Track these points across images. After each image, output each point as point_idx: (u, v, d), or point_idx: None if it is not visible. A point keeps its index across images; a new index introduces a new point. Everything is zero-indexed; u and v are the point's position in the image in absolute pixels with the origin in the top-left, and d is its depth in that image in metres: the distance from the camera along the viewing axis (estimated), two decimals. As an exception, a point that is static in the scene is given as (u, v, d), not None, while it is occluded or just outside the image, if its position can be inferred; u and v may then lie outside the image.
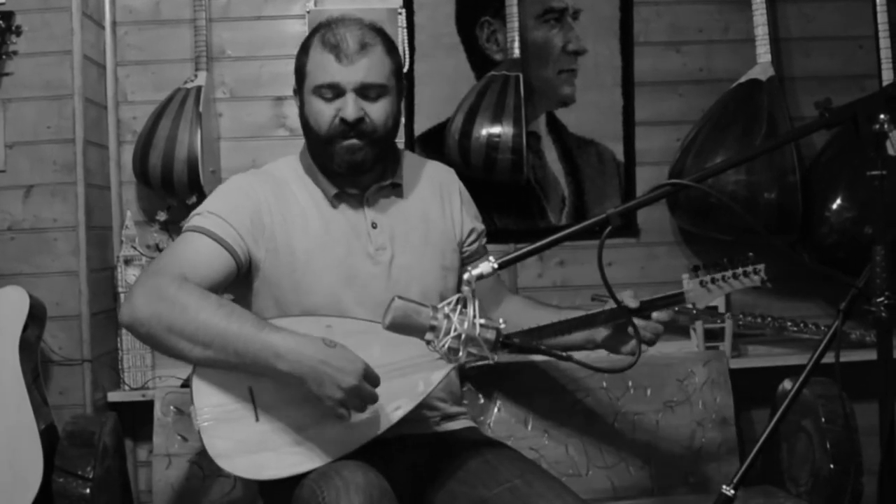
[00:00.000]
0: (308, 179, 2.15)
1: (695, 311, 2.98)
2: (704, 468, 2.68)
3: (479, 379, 2.64)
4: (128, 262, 2.92)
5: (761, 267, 2.05)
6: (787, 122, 2.88)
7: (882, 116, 1.66)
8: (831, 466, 2.52)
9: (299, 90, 2.14)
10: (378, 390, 1.84)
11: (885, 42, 2.92)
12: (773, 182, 2.81)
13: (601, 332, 2.10)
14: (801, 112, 3.09)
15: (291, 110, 3.04)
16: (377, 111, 2.06)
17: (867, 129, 1.67)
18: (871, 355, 1.76)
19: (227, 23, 3.05)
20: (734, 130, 2.87)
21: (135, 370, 2.92)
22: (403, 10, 3.03)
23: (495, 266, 1.69)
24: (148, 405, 2.64)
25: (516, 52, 2.93)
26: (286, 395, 1.87)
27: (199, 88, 2.88)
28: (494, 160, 2.85)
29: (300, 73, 2.12)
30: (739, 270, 2.05)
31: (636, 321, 1.99)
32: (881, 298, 1.64)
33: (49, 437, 2.53)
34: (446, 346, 1.70)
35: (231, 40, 3.05)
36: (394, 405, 1.90)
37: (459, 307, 1.71)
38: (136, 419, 2.93)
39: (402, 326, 1.70)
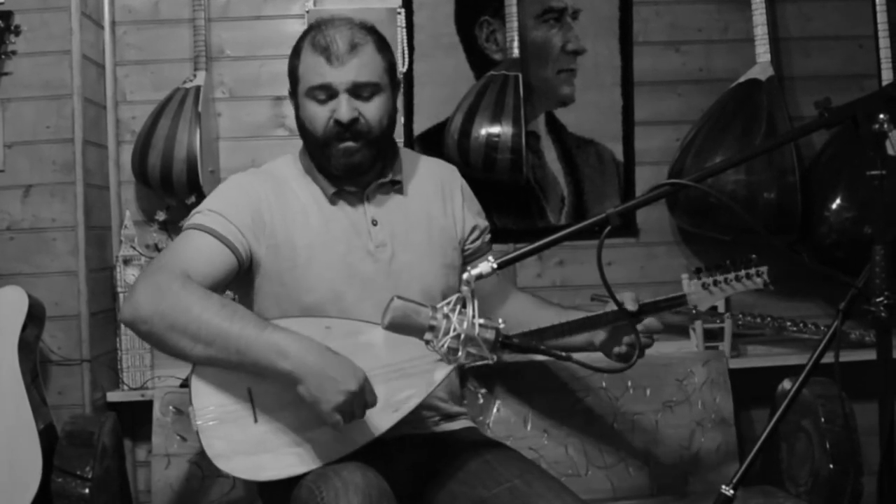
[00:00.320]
0: (308, 178, 2.15)
1: (694, 311, 2.97)
2: (704, 468, 2.68)
3: (478, 379, 2.64)
4: (127, 261, 2.91)
5: (764, 269, 2.04)
6: (786, 122, 2.88)
7: (881, 116, 1.66)
8: (831, 466, 2.52)
9: (294, 94, 2.14)
10: (378, 391, 1.84)
11: (884, 42, 2.92)
12: (772, 182, 2.81)
13: (599, 335, 2.10)
14: (800, 112, 3.09)
15: (290, 110, 2.98)
16: (371, 110, 2.06)
17: (867, 128, 1.67)
18: (870, 355, 1.77)
19: (227, 22, 3.05)
20: (734, 130, 2.86)
21: (134, 370, 2.92)
22: (402, 10, 3.03)
23: (494, 266, 1.69)
24: (147, 405, 2.64)
25: (515, 52, 2.93)
26: (285, 396, 1.87)
27: (198, 88, 2.88)
28: (494, 160, 2.85)
29: (293, 76, 2.13)
30: (742, 273, 2.04)
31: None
32: (881, 298, 1.64)
33: (48, 437, 2.53)
34: (445, 346, 1.70)
35: (230, 40, 3.05)
36: (393, 406, 1.90)
37: (459, 307, 1.71)
38: (135, 419, 2.92)
39: (401, 326, 1.69)
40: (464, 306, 1.70)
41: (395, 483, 1.84)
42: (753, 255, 2.05)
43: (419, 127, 3.05)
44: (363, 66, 2.04)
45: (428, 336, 1.70)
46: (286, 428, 1.89)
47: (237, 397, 1.90)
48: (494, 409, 2.64)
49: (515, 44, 2.93)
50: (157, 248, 2.91)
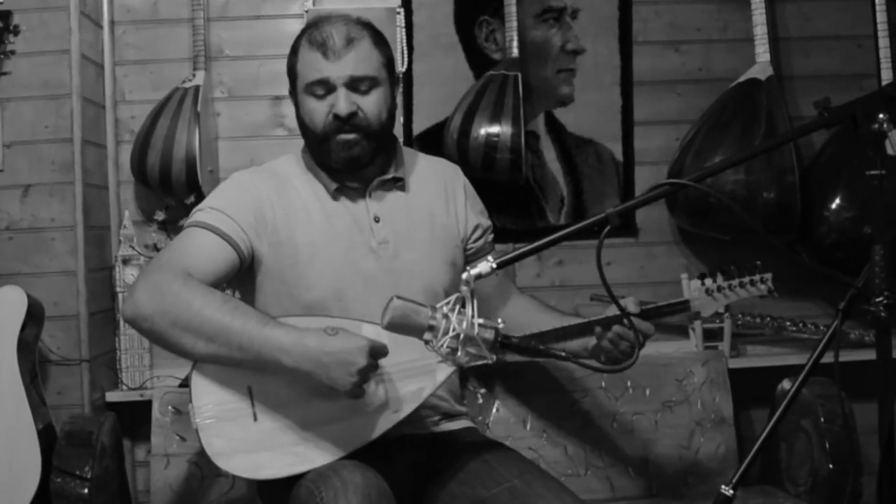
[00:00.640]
0: (310, 175, 2.15)
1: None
2: (703, 468, 2.68)
3: (478, 379, 2.64)
4: (126, 261, 2.91)
5: (769, 276, 2.05)
6: (786, 122, 2.88)
7: (881, 116, 1.66)
8: (830, 466, 2.52)
9: (293, 91, 2.15)
10: (378, 392, 1.84)
11: (884, 41, 2.92)
12: (772, 181, 2.81)
13: (592, 340, 2.08)
14: (800, 111, 3.09)
15: (290, 109, 3.02)
16: (369, 104, 2.06)
17: (866, 128, 1.67)
18: (870, 355, 1.77)
19: (226, 22, 3.05)
20: (733, 130, 2.86)
21: (133, 370, 2.91)
22: (402, 10, 3.03)
23: (494, 266, 1.69)
24: (146, 405, 2.64)
25: (515, 52, 2.93)
26: (285, 394, 1.87)
27: (197, 88, 2.88)
28: (493, 160, 2.85)
29: (291, 74, 2.14)
30: (746, 279, 2.05)
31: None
32: (880, 298, 1.64)
33: (47, 437, 2.53)
34: (445, 346, 1.70)
35: (229, 40, 3.05)
36: (394, 407, 1.90)
37: (458, 307, 1.71)
38: (134, 419, 2.92)
39: (400, 326, 1.69)
40: (463, 306, 1.70)
41: (394, 483, 1.84)
42: (758, 262, 2.05)
43: (418, 127, 3.05)
44: (360, 60, 2.05)
45: (427, 336, 1.70)
46: (286, 427, 1.89)
47: (237, 395, 1.90)
48: (494, 410, 2.64)
49: (515, 43, 2.93)
50: (156, 248, 2.91)
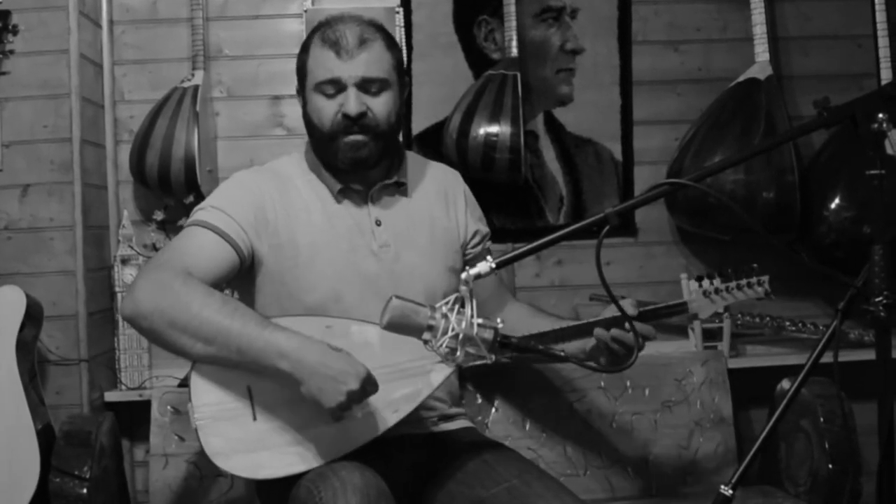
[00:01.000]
0: (312, 176, 2.15)
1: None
2: (703, 468, 2.67)
3: (477, 379, 2.63)
4: (125, 261, 2.91)
5: (765, 279, 2.05)
6: (785, 122, 2.87)
7: (880, 115, 1.65)
8: (830, 466, 2.52)
9: (301, 89, 2.14)
10: (377, 392, 1.83)
11: (883, 41, 2.92)
12: (771, 181, 2.81)
13: (590, 343, 2.08)
14: (799, 111, 3.09)
15: (289, 109, 3.04)
16: (379, 105, 2.06)
17: (866, 128, 1.67)
18: (869, 355, 1.77)
19: (225, 22, 3.05)
20: (732, 130, 2.86)
21: (132, 370, 2.91)
22: (401, 9, 3.03)
23: (493, 266, 1.69)
24: (145, 405, 2.63)
25: (514, 52, 2.93)
26: (285, 394, 1.86)
27: (196, 87, 2.88)
28: (492, 159, 2.84)
29: (301, 72, 2.13)
30: (744, 282, 2.05)
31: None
32: (880, 298, 1.64)
33: (46, 437, 2.53)
34: (444, 345, 1.69)
35: (228, 39, 3.05)
36: (393, 407, 1.89)
37: (457, 307, 1.70)
38: (133, 419, 2.92)
39: (399, 326, 1.69)
40: (462, 306, 1.70)
41: (393, 483, 1.84)
42: (755, 265, 2.06)
43: (417, 126, 3.05)
44: (372, 61, 2.05)
45: (426, 336, 1.69)
46: (285, 426, 1.88)
47: (237, 395, 1.90)
48: (493, 410, 2.64)
49: (514, 43, 2.93)
50: (155, 248, 2.91)
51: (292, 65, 3.03)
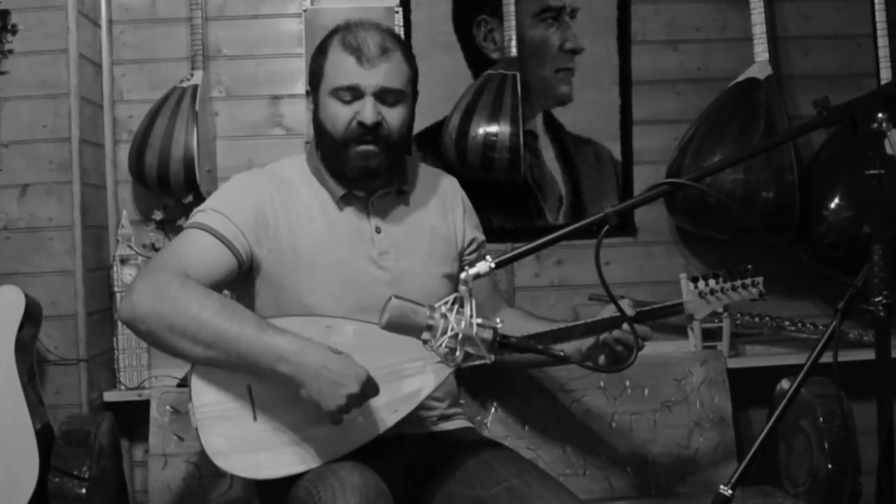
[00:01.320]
0: (314, 180, 2.14)
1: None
2: (702, 468, 2.67)
3: (476, 379, 2.63)
4: (124, 261, 2.91)
5: (759, 280, 2.06)
6: (784, 121, 2.87)
7: (880, 115, 1.65)
8: (829, 466, 2.51)
9: (314, 92, 2.12)
10: (377, 395, 1.83)
11: (883, 41, 2.92)
12: (770, 181, 2.81)
13: (587, 343, 2.08)
14: (798, 111, 3.09)
15: (288, 109, 3.04)
16: (394, 117, 2.06)
17: (865, 127, 1.66)
18: (869, 355, 1.76)
19: (224, 21, 3.04)
20: (732, 129, 2.86)
21: (131, 370, 2.91)
22: (400, 9, 3.02)
23: (492, 265, 1.69)
24: (144, 405, 2.63)
25: (513, 51, 2.93)
26: (285, 394, 1.86)
27: (195, 87, 2.87)
28: (491, 159, 2.84)
29: (317, 74, 2.10)
30: (738, 283, 2.07)
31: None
32: (879, 298, 1.64)
33: (45, 437, 2.52)
34: (443, 345, 1.69)
35: (227, 39, 3.05)
36: (392, 407, 1.89)
37: (456, 307, 1.70)
38: (132, 419, 2.92)
39: (398, 326, 1.69)
40: (461, 306, 1.70)
41: (392, 483, 1.84)
42: (749, 266, 2.07)
43: (416, 126, 3.02)
44: (391, 71, 2.04)
45: (426, 336, 1.69)
46: (285, 426, 1.88)
47: (237, 395, 1.90)
48: (492, 409, 2.64)
49: (513, 43, 2.93)
50: (154, 248, 2.91)
51: (291, 64, 3.06)
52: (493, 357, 1.72)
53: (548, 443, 2.64)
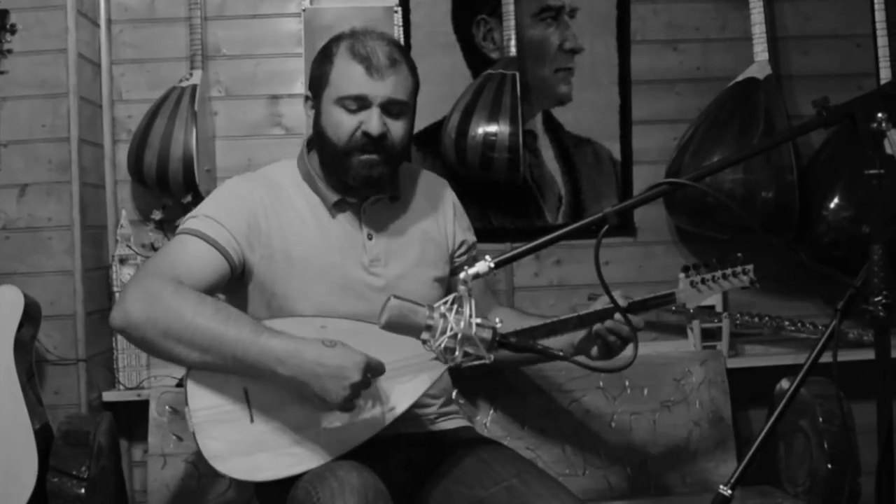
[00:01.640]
0: (305, 186, 2.13)
1: (692, 311, 2.98)
2: (701, 468, 2.67)
3: (476, 379, 2.63)
4: (123, 261, 2.91)
5: (750, 267, 2.06)
6: (784, 121, 2.87)
7: (880, 115, 1.65)
8: (829, 466, 2.51)
9: (316, 98, 2.10)
10: (372, 391, 1.83)
11: (882, 40, 2.92)
12: (770, 181, 2.81)
13: (579, 336, 2.08)
14: (798, 110, 3.09)
15: (287, 109, 3.04)
16: (398, 128, 2.05)
17: (865, 127, 1.66)
18: (868, 355, 1.76)
19: (223, 21, 3.04)
20: (731, 129, 2.86)
21: (130, 370, 2.91)
22: (399, 9, 3.02)
23: (492, 265, 1.69)
24: (143, 405, 2.63)
25: (513, 51, 2.93)
26: (281, 396, 1.86)
27: (194, 87, 2.87)
28: (491, 159, 2.84)
29: (320, 80, 2.07)
30: (729, 271, 2.06)
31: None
32: (879, 297, 1.63)
33: (44, 437, 2.52)
34: (443, 345, 1.69)
35: (226, 39, 3.04)
36: (388, 405, 1.89)
37: (456, 307, 1.70)
38: (131, 419, 2.92)
39: (398, 326, 1.69)
40: (461, 306, 1.70)
41: (391, 482, 1.84)
42: (739, 254, 2.07)
43: (416, 126, 3.01)
44: (399, 83, 2.03)
45: (425, 336, 1.69)
46: (283, 428, 1.88)
47: (233, 398, 1.89)
48: (491, 409, 2.64)
49: (512, 42, 2.93)
50: (154, 248, 2.90)
51: (291, 64, 3.06)
52: (492, 357, 1.73)
53: (547, 443, 2.64)
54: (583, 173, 3.10)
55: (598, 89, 3.09)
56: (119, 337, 2.90)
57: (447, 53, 3.05)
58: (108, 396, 2.88)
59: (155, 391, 2.59)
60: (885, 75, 2.92)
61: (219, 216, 2.01)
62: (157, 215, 2.94)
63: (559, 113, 3.09)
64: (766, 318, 3.00)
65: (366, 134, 2.01)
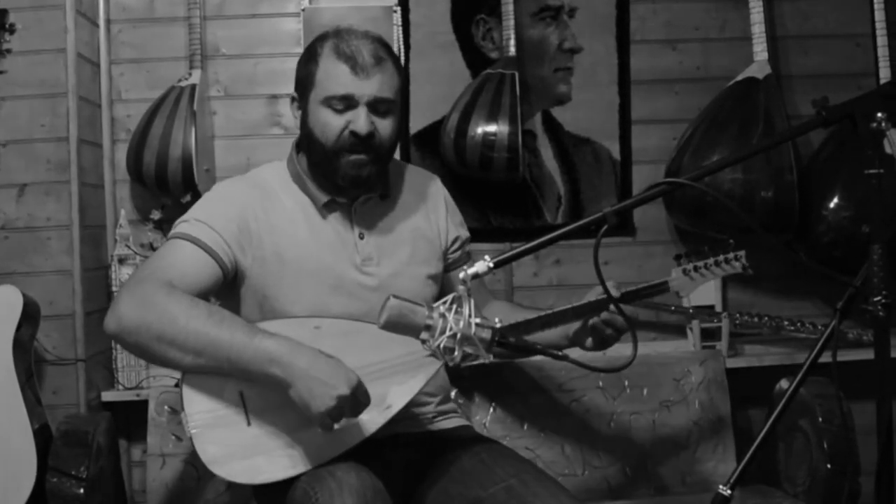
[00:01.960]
0: (295, 187, 2.13)
1: (691, 311, 2.98)
2: (701, 468, 2.67)
3: (476, 378, 2.63)
4: (122, 261, 2.91)
5: (742, 254, 2.05)
6: (783, 121, 2.87)
7: (879, 115, 1.65)
8: (828, 466, 2.51)
9: (302, 99, 2.09)
10: (369, 390, 1.83)
11: (882, 40, 2.92)
12: (769, 180, 2.81)
13: (573, 327, 2.08)
14: (798, 110, 3.09)
15: (286, 109, 3.03)
16: (385, 126, 2.04)
17: (864, 127, 1.66)
18: (868, 354, 1.76)
19: (222, 21, 3.04)
20: (731, 129, 2.86)
21: (129, 370, 2.91)
22: (399, 8, 3.02)
23: (491, 265, 1.69)
24: (142, 405, 2.63)
25: (512, 50, 2.93)
26: (278, 398, 1.86)
27: (193, 87, 2.87)
28: (490, 159, 2.84)
29: (306, 81, 2.07)
30: (721, 258, 2.06)
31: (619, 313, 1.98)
32: (878, 297, 1.63)
33: (43, 437, 2.52)
34: (442, 345, 1.69)
35: (225, 38, 3.04)
36: (385, 404, 1.89)
37: (455, 306, 1.70)
38: (130, 419, 2.92)
39: (397, 325, 1.68)
40: (460, 306, 1.70)
41: (389, 482, 1.84)
42: (731, 240, 2.06)
43: (415, 125, 3.05)
44: (385, 81, 2.03)
45: (424, 335, 1.69)
46: (279, 430, 1.88)
47: (229, 401, 1.89)
48: (491, 409, 2.64)
49: (512, 42, 2.93)
50: (152, 248, 2.90)
51: (290, 64, 3.02)
52: (491, 357, 1.73)
53: (546, 442, 2.64)
54: (582, 173, 3.10)
55: (598, 89, 3.09)
56: (118, 337, 2.90)
57: (446, 53, 3.05)
58: (107, 396, 2.88)
59: (154, 391, 2.59)
60: (884, 75, 2.92)
61: (210, 220, 2.01)
62: (155, 215, 2.94)
63: (558, 113, 3.09)
64: (766, 318, 3.00)
65: (354, 134, 2.00)
